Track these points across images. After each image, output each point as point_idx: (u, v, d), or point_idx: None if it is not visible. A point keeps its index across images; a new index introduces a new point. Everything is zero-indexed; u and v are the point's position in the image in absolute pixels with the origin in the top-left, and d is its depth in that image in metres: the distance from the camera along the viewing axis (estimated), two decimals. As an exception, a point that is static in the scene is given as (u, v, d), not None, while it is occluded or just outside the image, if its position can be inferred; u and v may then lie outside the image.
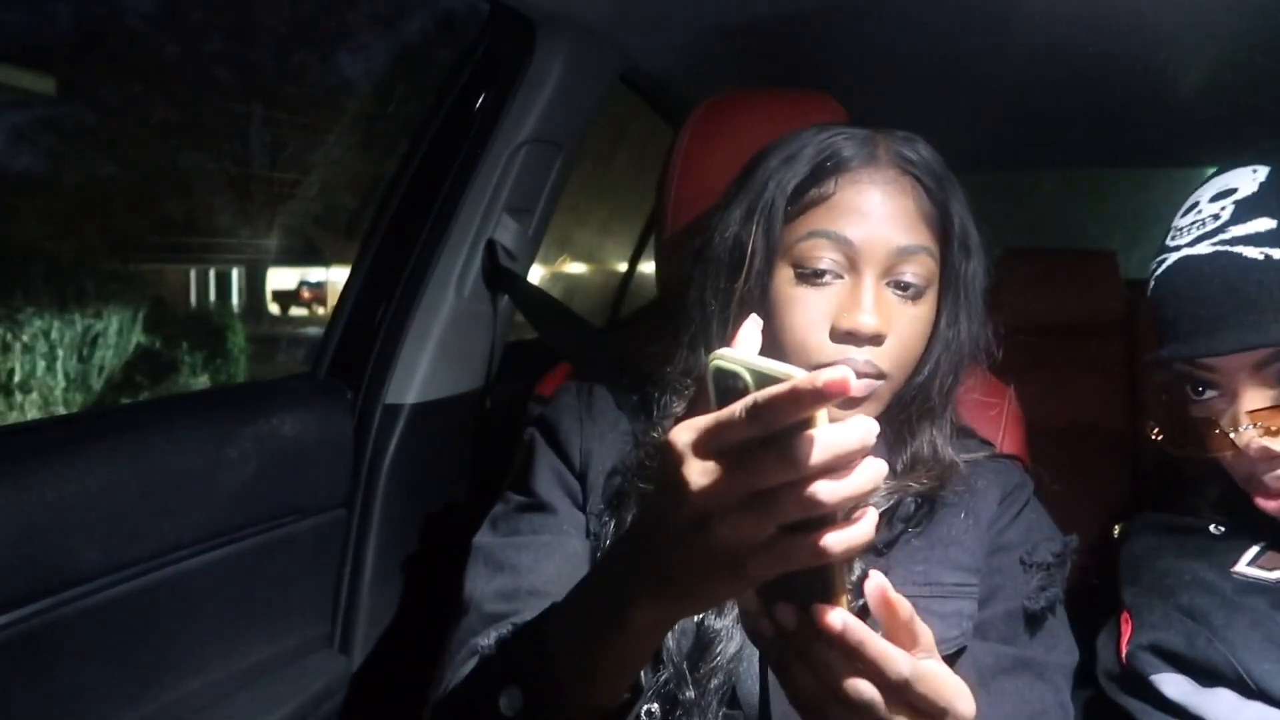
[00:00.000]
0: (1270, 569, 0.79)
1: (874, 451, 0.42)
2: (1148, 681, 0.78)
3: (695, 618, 0.73)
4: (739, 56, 1.46)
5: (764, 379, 0.44)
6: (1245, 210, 0.76)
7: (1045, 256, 2.03)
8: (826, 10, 1.33)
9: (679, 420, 0.47)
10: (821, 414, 0.41)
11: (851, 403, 0.74)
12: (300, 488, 1.12)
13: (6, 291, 4.06)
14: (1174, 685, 0.77)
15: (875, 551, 0.76)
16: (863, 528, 0.44)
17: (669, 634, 0.71)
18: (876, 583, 0.50)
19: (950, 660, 0.72)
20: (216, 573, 1.00)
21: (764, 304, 0.76)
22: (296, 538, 1.12)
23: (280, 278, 6.14)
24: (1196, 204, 0.81)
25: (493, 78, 1.27)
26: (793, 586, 0.48)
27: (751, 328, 0.51)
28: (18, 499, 0.81)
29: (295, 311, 6.21)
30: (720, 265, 0.79)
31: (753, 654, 0.73)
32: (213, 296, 5.46)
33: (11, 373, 3.99)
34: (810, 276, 0.75)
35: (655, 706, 0.71)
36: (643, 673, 0.71)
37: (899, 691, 0.48)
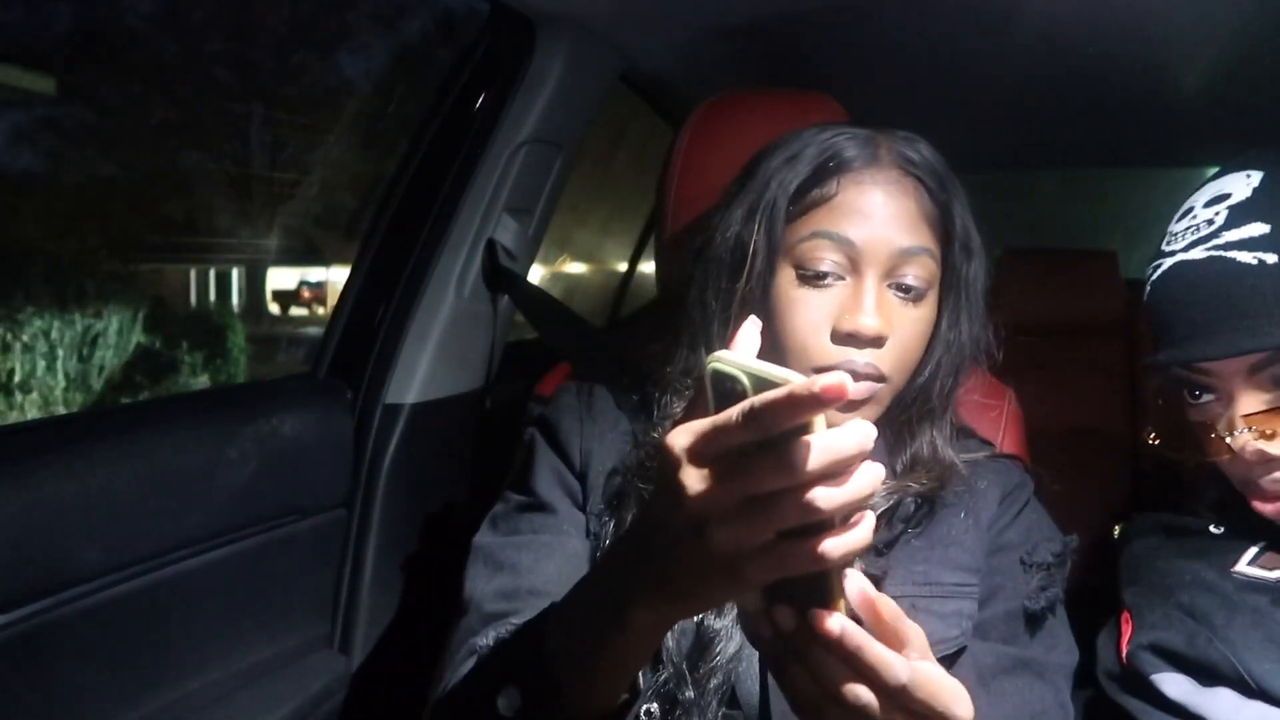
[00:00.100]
0: (1270, 568, 0.79)
1: (873, 453, 0.42)
2: (1148, 681, 0.78)
3: (695, 617, 0.73)
4: (739, 56, 1.46)
5: (761, 383, 0.43)
6: (1239, 215, 0.76)
7: (1045, 257, 2.02)
8: (826, 10, 1.33)
9: (677, 422, 0.47)
10: (819, 418, 0.41)
11: (851, 405, 0.74)
12: (300, 488, 1.12)
13: (6, 291, 4.05)
14: (1174, 685, 0.77)
15: (875, 552, 0.76)
16: (861, 532, 0.44)
17: (669, 634, 0.71)
18: (857, 584, 0.49)
19: (950, 660, 0.73)
20: (216, 573, 1.00)
21: (765, 305, 0.76)
22: (296, 538, 1.12)
23: (280, 278, 6.13)
24: (1191, 209, 0.81)
25: (493, 78, 1.27)
26: (791, 590, 0.48)
27: (750, 329, 0.51)
28: (18, 499, 0.81)
29: (295, 311, 6.20)
30: (721, 265, 0.79)
31: (752, 654, 0.73)
32: (213, 296, 5.45)
33: (11, 373, 3.98)
34: (812, 278, 0.75)
35: (655, 706, 0.71)
36: (642, 673, 0.71)
37: (896, 696, 0.48)
